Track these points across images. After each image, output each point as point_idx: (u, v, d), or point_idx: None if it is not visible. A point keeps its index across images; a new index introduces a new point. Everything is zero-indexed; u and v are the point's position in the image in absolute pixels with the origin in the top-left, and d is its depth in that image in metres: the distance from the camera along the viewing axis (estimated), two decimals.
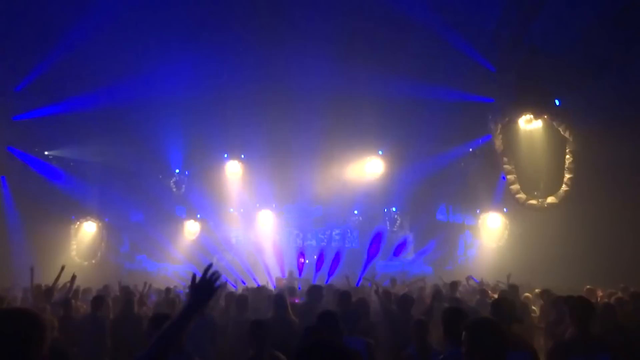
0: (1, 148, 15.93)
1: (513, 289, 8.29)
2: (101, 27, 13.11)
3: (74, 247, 18.10)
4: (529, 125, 14.65)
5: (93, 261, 18.05)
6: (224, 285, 8.78)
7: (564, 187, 14.15)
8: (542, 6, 12.66)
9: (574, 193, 13.96)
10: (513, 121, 14.84)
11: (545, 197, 14.56)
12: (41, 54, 13.99)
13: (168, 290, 10.07)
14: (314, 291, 7.31)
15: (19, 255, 14.92)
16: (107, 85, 14.92)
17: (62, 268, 8.18)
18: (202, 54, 14.38)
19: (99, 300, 6.87)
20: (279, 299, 6.25)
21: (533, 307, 8.49)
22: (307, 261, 20.35)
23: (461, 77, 14.92)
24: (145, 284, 9.19)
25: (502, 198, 17.13)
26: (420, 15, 13.12)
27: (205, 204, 20.00)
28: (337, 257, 19.82)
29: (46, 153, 17.35)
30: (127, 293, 8.52)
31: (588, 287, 8.93)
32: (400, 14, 13.06)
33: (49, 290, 7.97)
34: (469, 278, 11.31)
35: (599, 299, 7.89)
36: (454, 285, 9.30)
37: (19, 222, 15.82)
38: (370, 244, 19.74)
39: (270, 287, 13.57)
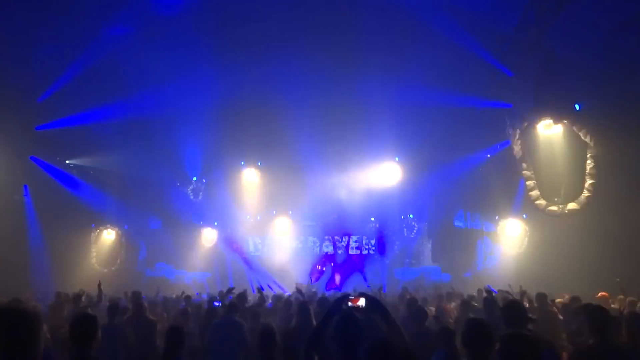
0: (24, 157, 16.29)
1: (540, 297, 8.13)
2: (122, 39, 13.35)
3: (94, 254, 18.36)
4: (549, 130, 14.42)
5: (113, 268, 18.27)
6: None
7: (585, 193, 13.87)
8: (562, 9, 12.48)
9: (595, 199, 13.67)
10: (532, 126, 14.63)
11: (566, 204, 14.29)
12: (64, 65, 14.29)
13: (187, 298, 10.13)
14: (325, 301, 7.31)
15: (39, 262, 15.19)
16: (127, 95, 15.17)
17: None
18: (219, 63, 14.53)
19: (114, 307, 6.91)
20: (303, 306, 6.25)
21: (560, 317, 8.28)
22: (324, 268, 20.31)
23: (478, 82, 14.80)
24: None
25: (521, 204, 16.86)
26: (436, 21, 13.06)
27: (222, 211, 20.14)
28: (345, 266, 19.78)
29: (67, 162, 17.68)
30: (137, 300, 8.52)
31: (601, 293, 8.74)
32: (416, 20, 13.02)
33: (78, 297, 8.22)
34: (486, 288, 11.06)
35: (620, 307, 7.65)
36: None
37: (40, 230, 16.10)
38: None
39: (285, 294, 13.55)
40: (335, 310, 3.26)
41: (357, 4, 13.04)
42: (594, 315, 4.13)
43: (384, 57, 14.01)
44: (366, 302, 3.30)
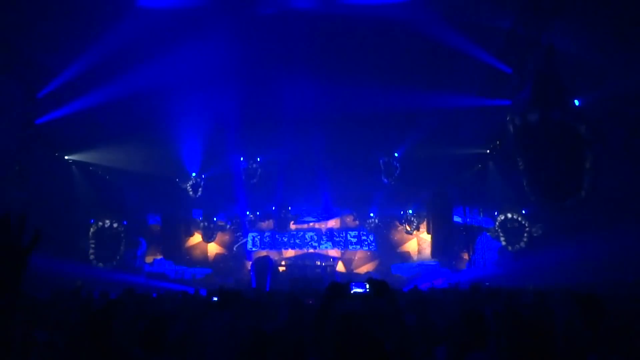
0: (23, 151, 16.20)
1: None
2: (121, 35, 13.27)
3: (93, 249, 18.32)
4: (548, 125, 14.39)
5: (112, 264, 18.25)
6: None
7: (584, 189, 13.86)
8: (562, 4, 12.43)
9: (595, 194, 13.67)
10: (531, 122, 14.60)
11: (565, 199, 14.29)
12: (65, 60, 14.22)
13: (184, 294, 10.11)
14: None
15: (36, 258, 15.14)
16: (127, 92, 15.08)
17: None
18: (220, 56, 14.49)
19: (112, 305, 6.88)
20: (295, 301, 6.07)
21: None
22: (323, 264, 20.33)
23: (477, 79, 14.80)
24: None
25: (520, 200, 16.88)
26: (433, 26, 13.12)
27: (221, 207, 20.15)
28: None
29: (66, 157, 17.62)
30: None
31: None
32: (413, 26, 13.10)
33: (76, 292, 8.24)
34: None
35: None
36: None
37: (37, 225, 16.02)
38: None
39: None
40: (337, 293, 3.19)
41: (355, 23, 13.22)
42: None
43: (383, 58, 14.09)
44: (372, 286, 3.24)
